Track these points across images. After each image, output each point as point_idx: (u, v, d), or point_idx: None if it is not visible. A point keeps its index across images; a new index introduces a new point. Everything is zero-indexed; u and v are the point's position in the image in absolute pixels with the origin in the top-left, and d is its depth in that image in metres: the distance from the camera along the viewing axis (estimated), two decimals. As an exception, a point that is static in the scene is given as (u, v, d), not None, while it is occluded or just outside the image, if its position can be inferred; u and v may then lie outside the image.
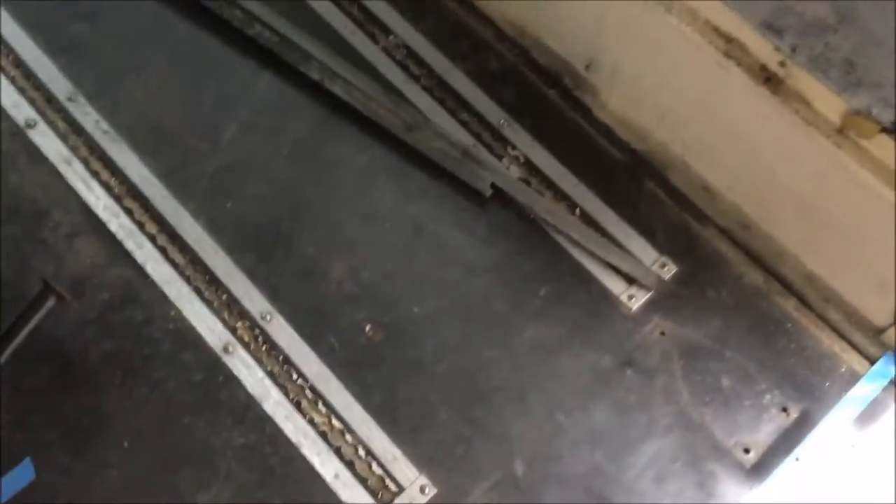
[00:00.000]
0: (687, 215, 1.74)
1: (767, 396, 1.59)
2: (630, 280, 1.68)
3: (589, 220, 1.74)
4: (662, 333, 1.64)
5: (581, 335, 1.64)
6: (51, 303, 1.48)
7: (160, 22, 1.87)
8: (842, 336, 1.63)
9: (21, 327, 1.46)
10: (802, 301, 1.66)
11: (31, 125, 1.76)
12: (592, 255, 1.70)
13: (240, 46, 1.86)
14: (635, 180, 1.78)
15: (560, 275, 1.69)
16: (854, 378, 1.59)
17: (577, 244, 1.71)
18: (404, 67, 1.88)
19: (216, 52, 1.86)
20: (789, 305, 1.67)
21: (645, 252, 1.71)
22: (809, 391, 1.59)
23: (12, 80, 1.81)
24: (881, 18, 1.19)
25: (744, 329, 1.64)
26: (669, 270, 1.69)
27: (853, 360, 1.62)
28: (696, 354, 1.62)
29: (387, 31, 1.91)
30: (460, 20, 1.92)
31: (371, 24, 1.91)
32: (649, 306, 1.67)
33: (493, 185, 1.74)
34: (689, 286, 1.69)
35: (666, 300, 1.67)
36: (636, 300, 1.67)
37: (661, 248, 1.71)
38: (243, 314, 1.64)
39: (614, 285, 1.68)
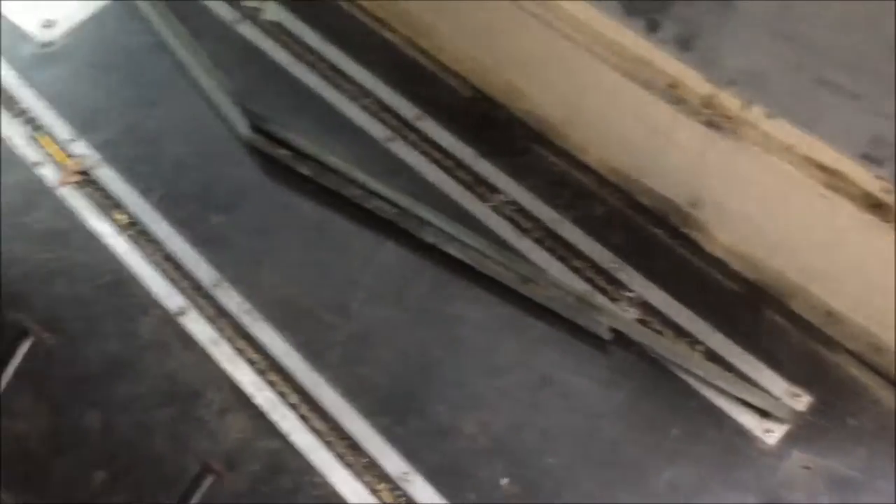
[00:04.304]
0: (814, 342, 1.72)
1: (928, 528, 1.51)
2: (763, 414, 1.66)
3: (712, 356, 1.74)
4: (805, 467, 1.60)
5: (720, 475, 1.62)
6: (209, 481, 1.59)
7: (289, 208, 2.05)
8: None
9: (183, 506, 1.57)
10: (950, 422, 1.59)
11: (182, 313, 1.93)
12: (721, 390, 1.69)
13: (361, 220, 2.01)
14: (755, 311, 1.78)
15: (690, 414, 1.69)
16: None
17: (703, 381, 1.71)
18: (514, 222, 1.97)
19: (340, 229, 2.01)
20: (937, 428, 1.61)
21: (775, 384, 1.69)
22: (974, 519, 1.51)
23: (164, 273, 2.00)
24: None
25: (892, 456, 1.58)
26: (803, 401, 1.66)
27: None
28: (844, 487, 1.57)
29: (494, 189, 2.02)
30: (563, 172, 2.02)
31: (479, 185, 2.03)
32: (787, 440, 1.63)
33: (612, 329, 1.78)
34: (826, 415, 1.65)
35: (804, 432, 1.64)
36: (773, 434, 1.64)
37: (791, 378, 1.69)
38: (384, 476, 1.71)
39: (748, 420, 1.67)
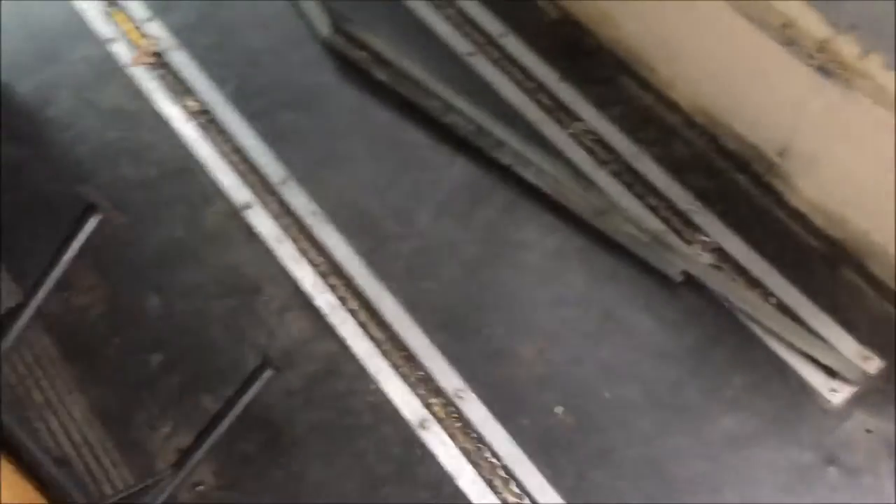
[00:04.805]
0: (891, 306, 1.68)
1: None
2: (831, 373, 1.63)
3: (784, 309, 1.71)
4: (868, 430, 1.58)
5: (779, 428, 1.60)
6: (268, 374, 1.59)
7: (363, 113, 2.01)
8: None
9: (241, 396, 1.57)
10: None
11: (247, 207, 1.92)
12: (790, 345, 1.66)
13: (435, 134, 1.96)
14: (832, 269, 1.74)
15: (755, 364, 1.66)
16: None
17: (772, 333, 1.68)
18: (592, 153, 1.93)
19: (413, 140, 1.97)
20: None
21: (846, 344, 1.66)
22: None
23: (232, 165, 1.98)
24: None
25: (958, 430, 1.56)
26: (874, 364, 1.63)
27: None
28: (905, 455, 1.55)
29: (575, 117, 1.97)
30: (647, 106, 1.96)
31: (559, 111, 1.98)
32: (853, 401, 1.61)
33: (683, 272, 1.74)
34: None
35: (871, 396, 1.61)
36: (838, 394, 1.61)
37: (864, 340, 1.66)
38: (438, 391, 1.70)
39: (814, 378, 1.64)
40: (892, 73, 1.43)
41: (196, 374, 1.76)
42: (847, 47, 1.47)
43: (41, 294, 1.64)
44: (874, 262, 1.71)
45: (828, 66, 1.51)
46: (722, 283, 1.72)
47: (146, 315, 1.82)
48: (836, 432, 1.58)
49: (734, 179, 1.86)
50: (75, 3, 2.22)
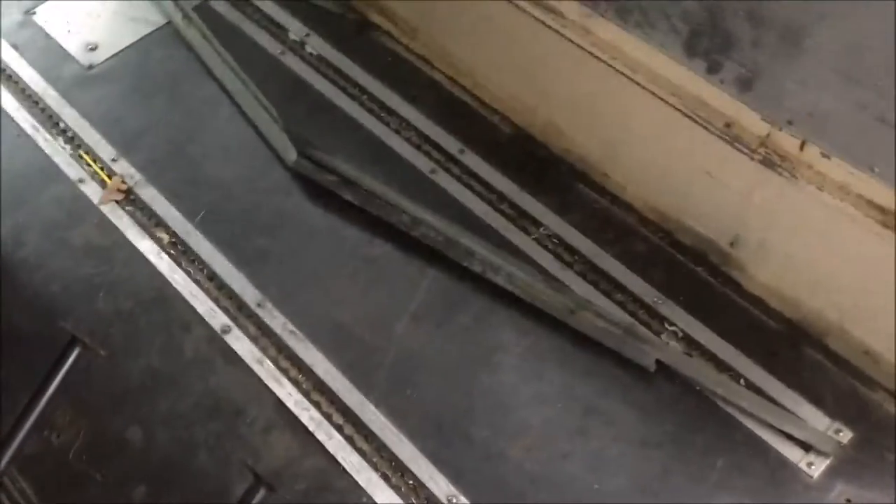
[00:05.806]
0: (853, 380, 1.77)
1: (974, 562, 1.54)
2: (806, 447, 1.70)
3: (754, 390, 1.78)
4: (848, 501, 1.63)
5: (766, 506, 1.64)
6: (261, 495, 1.58)
7: (333, 232, 2.08)
8: None
9: (235, 520, 1.56)
10: None
11: (225, 331, 1.94)
12: (765, 423, 1.73)
13: (405, 248, 2.04)
14: (794, 348, 1.83)
15: (735, 445, 1.72)
16: None
17: (747, 413, 1.74)
18: (557, 255, 2.02)
19: (384, 255, 2.04)
20: (977, 465, 1.65)
21: (816, 418, 1.73)
22: None
23: (207, 292, 2.01)
24: None
25: (933, 492, 1.62)
26: (845, 436, 1.70)
27: None
28: (887, 521, 1.61)
29: (538, 223, 2.07)
30: (604, 209, 2.08)
31: (522, 219, 2.08)
32: (830, 473, 1.67)
33: (656, 361, 1.81)
34: (867, 451, 1.69)
35: (846, 466, 1.67)
36: (816, 467, 1.67)
37: (832, 413, 1.73)
38: (430, 499, 1.71)
39: (791, 453, 1.70)
40: (830, 160, 1.57)
41: (182, 503, 1.73)
42: (786, 140, 1.61)
43: (21, 435, 1.62)
44: (832, 339, 1.80)
45: (771, 159, 1.65)
46: (694, 369, 1.80)
47: (128, 448, 1.80)
48: (820, 504, 1.63)
49: (693, 271, 1.97)
50: (42, 147, 2.28)
